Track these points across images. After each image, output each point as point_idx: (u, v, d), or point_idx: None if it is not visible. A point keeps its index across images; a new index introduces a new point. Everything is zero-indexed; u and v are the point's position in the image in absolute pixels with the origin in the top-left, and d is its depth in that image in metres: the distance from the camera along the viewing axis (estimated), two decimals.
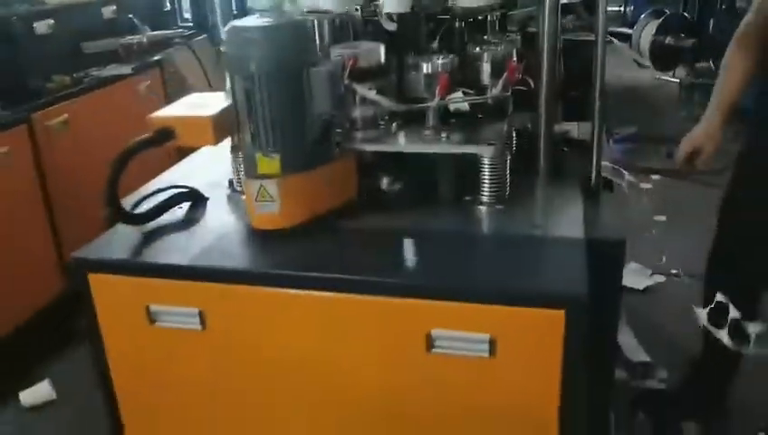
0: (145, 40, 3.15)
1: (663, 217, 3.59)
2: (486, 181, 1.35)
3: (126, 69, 3.07)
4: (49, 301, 2.69)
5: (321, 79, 1.23)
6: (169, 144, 1.37)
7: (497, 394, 1.16)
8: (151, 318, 1.25)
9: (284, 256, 1.25)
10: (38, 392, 2.43)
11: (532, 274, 1.17)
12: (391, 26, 1.41)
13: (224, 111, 1.36)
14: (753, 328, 1.90)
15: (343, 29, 1.45)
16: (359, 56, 1.32)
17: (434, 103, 1.33)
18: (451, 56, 1.40)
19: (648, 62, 2.67)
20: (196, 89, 3.56)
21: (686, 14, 3.72)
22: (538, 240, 1.25)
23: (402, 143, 1.36)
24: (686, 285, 2.99)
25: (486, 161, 1.33)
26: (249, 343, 1.23)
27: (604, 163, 1.44)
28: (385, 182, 1.41)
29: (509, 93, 1.42)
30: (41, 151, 2.56)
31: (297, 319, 1.20)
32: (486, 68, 1.44)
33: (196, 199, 1.49)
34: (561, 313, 1.06)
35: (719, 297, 1.97)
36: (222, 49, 1.25)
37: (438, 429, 1.21)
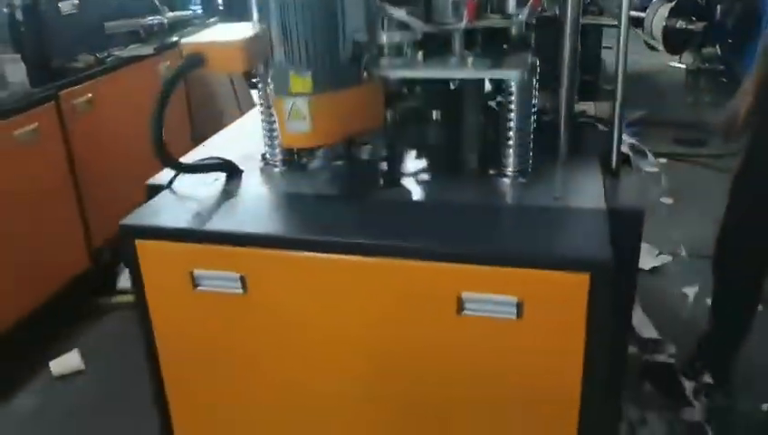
0: (165, 21, 3.20)
1: (670, 200, 3.65)
2: (511, 148, 1.40)
3: (147, 49, 3.13)
4: (76, 275, 2.77)
5: None
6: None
7: (523, 356, 1.23)
8: (195, 283, 1.32)
9: (321, 222, 1.32)
10: (67, 362, 2.52)
11: (558, 240, 1.24)
12: None
13: (253, 38, 1.38)
14: None
15: None
16: None
17: (462, 25, 1.35)
18: None
19: (660, 46, 2.73)
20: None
21: None
22: (562, 210, 1.31)
23: (429, 70, 1.38)
24: (692, 265, 3.06)
25: (515, 92, 1.35)
26: (288, 306, 1.30)
27: (625, 139, 1.50)
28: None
29: (534, 21, 1.44)
30: (68, 129, 2.63)
31: (334, 283, 1.27)
32: None
33: (232, 172, 1.55)
34: (587, 276, 1.13)
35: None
36: None
37: (467, 390, 1.28)
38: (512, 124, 1.39)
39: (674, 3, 2.75)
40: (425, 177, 1.50)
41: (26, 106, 2.43)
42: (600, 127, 1.66)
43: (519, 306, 1.18)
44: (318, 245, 1.26)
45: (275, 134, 1.52)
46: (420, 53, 1.41)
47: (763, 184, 2.09)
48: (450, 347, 1.25)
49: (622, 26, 1.42)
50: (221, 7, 5.67)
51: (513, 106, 1.37)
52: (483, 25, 1.39)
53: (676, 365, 2.44)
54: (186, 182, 1.49)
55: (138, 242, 1.34)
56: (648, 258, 3.16)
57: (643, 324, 2.60)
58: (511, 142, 1.41)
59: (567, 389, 1.23)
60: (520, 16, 1.39)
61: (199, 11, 3.71)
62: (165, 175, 1.52)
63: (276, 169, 1.56)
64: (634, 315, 2.61)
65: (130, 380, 2.45)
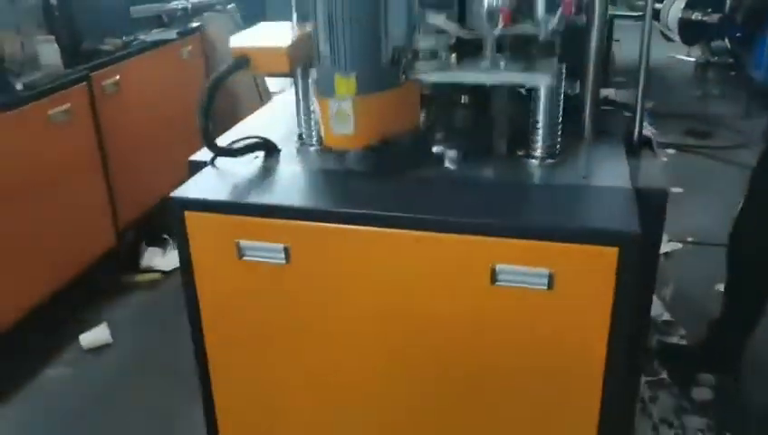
0: (189, 6, 3.26)
1: (680, 190, 3.72)
2: (540, 133, 1.47)
3: (171, 34, 3.20)
4: (103, 253, 2.85)
5: (399, 5, 1.34)
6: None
7: (553, 326, 1.30)
8: (240, 253, 1.39)
9: (362, 196, 1.39)
10: (97, 336, 2.60)
11: (588, 215, 1.31)
12: None
13: (296, 41, 1.48)
14: None
15: None
16: None
17: (497, 31, 1.41)
18: None
19: (676, 37, 2.77)
20: (223, 54, 3.69)
21: None
22: (590, 188, 1.38)
23: (463, 73, 1.46)
24: (701, 252, 3.14)
25: (543, 95, 1.43)
26: (328, 276, 1.37)
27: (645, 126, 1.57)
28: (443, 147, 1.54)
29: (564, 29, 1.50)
30: (97, 109, 2.70)
31: (374, 255, 1.34)
32: (542, 3, 1.46)
33: (270, 150, 1.62)
34: (615, 250, 1.20)
35: None
36: None
37: (497, 358, 1.36)
38: (540, 108, 1.46)
39: None
40: (456, 157, 1.56)
41: (60, 86, 2.50)
42: (623, 111, 1.73)
43: (550, 278, 1.24)
44: (357, 218, 1.33)
45: (313, 116, 1.59)
46: (454, 57, 1.49)
47: None
48: (483, 317, 1.33)
49: (647, 17, 1.49)
50: None
51: (542, 100, 1.45)
52: (515, 33, 1.46)
53: (686, 347, 2.52)
54: (227, 159, 1.56)
55: (187, 213, 1.41)
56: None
57: (654, 306, 2.67)
58: (539, 126, 1.47)
59: (593, 359, 1.30)
60: (550, 24, 1.45)
61: None
62: (205, 152, 1.59)
63: (312, 148, 1.63)
64: None
65: (157, 352, 2.56)
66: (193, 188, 1.47)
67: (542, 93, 1.44)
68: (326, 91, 1.39)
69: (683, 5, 2.77)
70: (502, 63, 1.45)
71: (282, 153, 1.62)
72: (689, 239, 3.27)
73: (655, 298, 2.71)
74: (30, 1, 2.38)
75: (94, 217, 2.78)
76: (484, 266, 1.27)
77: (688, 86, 5.63)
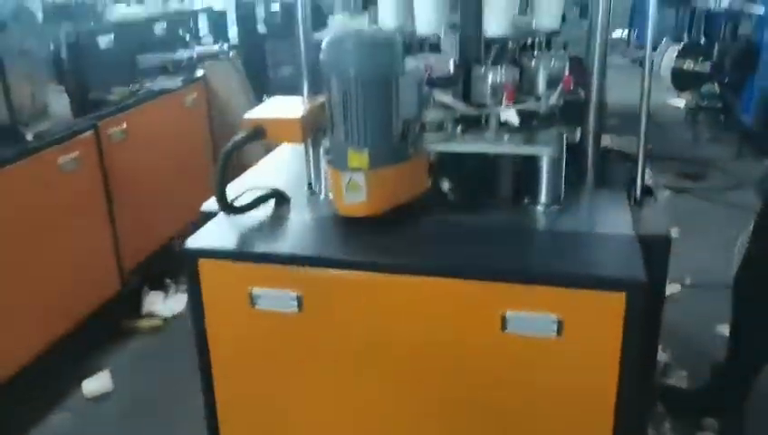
0: (195, 55, 3.35)
1: (676, 231, 3.77)
2: (544, 183, 1.52)
3: (176, 82, 3.27)
4: (107, 298, 2.85)
5: (409, 86, 1.41)
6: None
7: (563, 371, 1.32)
8: (252, 301, 1.42)
9: (373, 244, 1.42)
10: (99, 383, 2.58)
11: (595, 261, 1.35)
12: (448, 44, 1.59)
13: (308, 113, 1.56)
14: None
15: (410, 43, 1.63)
16: (434, 67, 1.51)
17: (503, 107, 1.50)
18: (514, 68, 1.57)
19: (668, 84, 2.87)
20: (225, 101, 3.77)
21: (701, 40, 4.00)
22: (595, 235, 1.43)
23: (469, 144, 1.53)
24: (700, 294, 3.16)
25: (545, 161, 1.49)
26: (341, 323, 1.39)
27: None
28: (448, 186, 1.59)
29: (562, 103, 1.57)
30: (104, 157, 2.74)
31: (384, 302, 1.36)
32: (543, 79, 1.58)
33: (281, 200, 1.66)
34: (623, 295, 1.23)
35: None
36: (321, 57, 1.42)
37: (508, 402, 1.37)
38: (544, 167, 1.51)
39: (681, 45, 2.91)
40: (464, 203, 1.61)
41: (69, 135, 2.55)
42: (623, 159, 1.78)
43: (560, 324, 1.27)
44: (369, 265, 1.36)
45: (321, 166, 1.64)
46: (459, 129, 1.56)
47: None
48: (494, 363, 1.35)
49: (646, 69, 1.55)
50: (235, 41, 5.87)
51: (543, 174, 1.52)
52: (518, 108, 1.53)
53: (689, 391, 2.52)
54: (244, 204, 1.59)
55: (201, 261, 1.44)
56: None
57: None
58: (544, 175, 1.52)
59: (603, 404, 1.31)
60: (551, 99, 1.53)
61: (228, 48, 3.87)
62: (215, 202, 1.62)
63: (321, 197, 1.67)
64: None
65: (158, 399, 2.54)
66: (206, 237, 1.50)
67: (545, 162, 1.50)
68: (339, 162, 1.44)
69: (675, 55, 2.87)
70: (506, 136, 1.52)
71: (292, 201, 1.65)
72: (688, 281, 3.31)
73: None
74: (41, 53, 2.44)
75: (99, 263, 2.79)
76: (494, 313, 1.30)
77: (680, 129, 5.75)
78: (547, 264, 1.35)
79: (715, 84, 5.31)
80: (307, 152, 1.67)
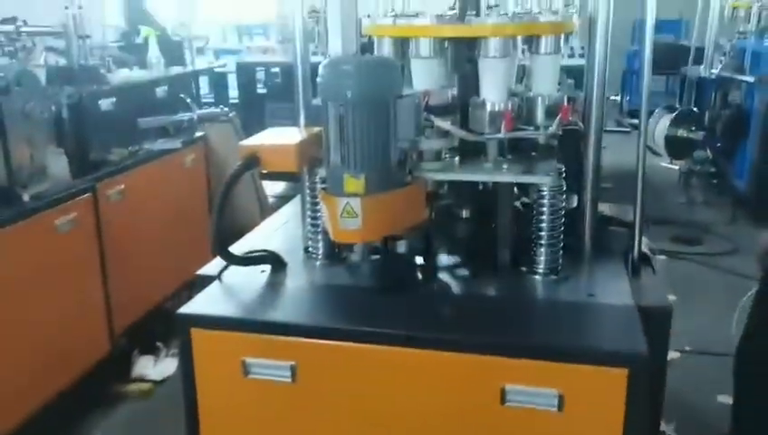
0: (195, 117, 3.39)
1: (673, 297, 3.74)
2: (543, 251, 1.51)
3: (176, 143, 3.30)
4: (97, 361, 2.79)
5: (406, 109, 1.40)
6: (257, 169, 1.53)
7: None
8: (245, 370, 1.38)
9: (369, 314, 1.40)
10: None
11: (595, 334, 1.33)
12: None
13: (304, 141, 1.53)
14: None
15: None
16: (431, 93, 1.49)
17: (502, 135, 1.48)
18: (513, 97, 1.55)
19: (663, 152, 2.93)
20: (223, 160, 3.80)
21: (694, 108, 4.08)
22: (594, 306, 1.41)
23: (467, 173, 1.52)
24: (698, 361, 3.12)
25: (545, 191, 1.47)
26: (335, 394, 1.36)
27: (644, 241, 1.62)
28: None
29: (561, 132, 1.56)
30: (101, 218, 2.73)
31: (380, 373, 1.33)
32: (541, 109, 1.55)
33: (277, 264, 1.64)
34: (625, 371, 1.21)
35: None
36: (318, 79, 1.41)
37: None
38: (543, 225, 1.50)
39: (674, 115, 2.97)
40: (460, 272, 1.59)
41: (67, 197, 2.55)
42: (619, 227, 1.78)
43: (560, 399, 1.24)
44: (365, 336, 1.34)
45: (319, 229, 1.63)
46: (457, 158, 1.55)
47: None
48: None
49: (640, 142, 1.57)
50: (235, 101, 5.97)
51: (544, 209, 1.49)
52: (517, 136, 1.53)
53: None
54: (234, 273, 1.58)
55: (193, 330, 1.41)
56: None
57: None
58: (543, 242, 1.52)
59: None
60: (550, 128, 1.53)
61: (229, 110, 3.94)
62: (213, 266, 1.61)
63: (318, 262, 1.66)
64: None
65: None
66: (200, 305, 1.47)
67: (546, 194, 1.48)
68: (334, 187, 1.42)
69: (668, 123, 2.93)
70: (504, 166, 1.51)
71: (288, 266, 1.64)
72: (687, 348, 3.26)
73: None
74: (43, 115, 2.46)
75: (90, 325, 2.75)
76: (493, 387, 1.27)
77: (673, 192, 5.80)
78: (547, 337, 1.33)
79: (707, 149, 5.39)
80: (303, 202, 1.66)
